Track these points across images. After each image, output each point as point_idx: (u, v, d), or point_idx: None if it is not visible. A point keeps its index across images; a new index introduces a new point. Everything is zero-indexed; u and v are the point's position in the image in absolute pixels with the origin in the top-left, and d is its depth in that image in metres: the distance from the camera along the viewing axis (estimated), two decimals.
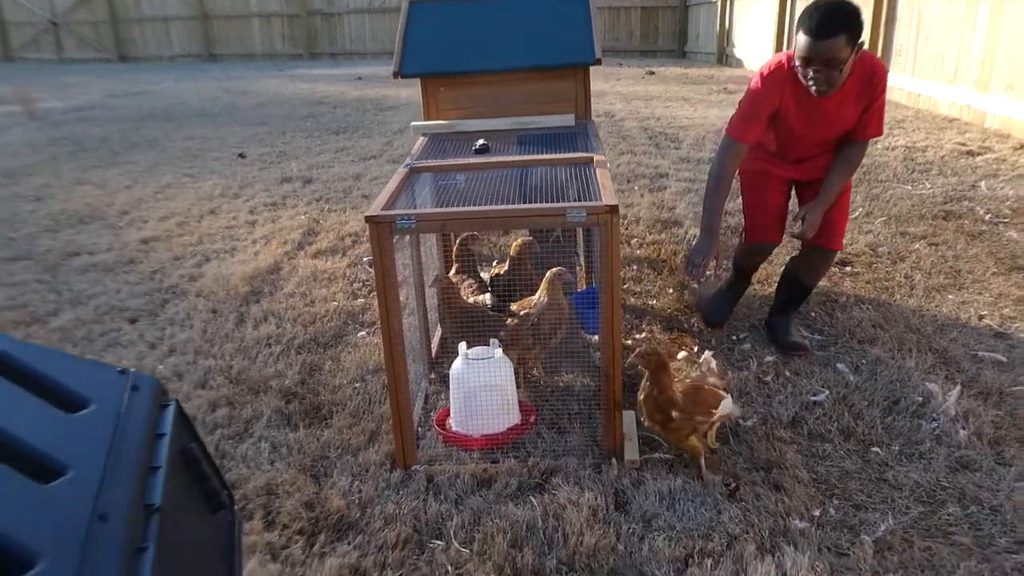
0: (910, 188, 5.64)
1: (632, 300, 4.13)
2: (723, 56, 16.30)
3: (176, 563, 1.08)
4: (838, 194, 3.41)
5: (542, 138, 3.86)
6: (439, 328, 3.75)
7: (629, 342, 3.67)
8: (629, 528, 2.50)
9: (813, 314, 3.88)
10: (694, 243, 3.46)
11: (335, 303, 4.29)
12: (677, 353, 3.59)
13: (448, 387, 3.28)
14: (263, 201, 6.28)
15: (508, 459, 2.85)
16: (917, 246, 4.59)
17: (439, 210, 2.72)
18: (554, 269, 3.34)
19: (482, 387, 3.03)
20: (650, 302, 4.15)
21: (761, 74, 3.34)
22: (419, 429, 3.06)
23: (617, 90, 12.05)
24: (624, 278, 4.40)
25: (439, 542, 2.49)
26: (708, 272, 3.39)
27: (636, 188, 5.91)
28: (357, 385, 3.45)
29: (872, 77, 3.21)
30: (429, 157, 3.52)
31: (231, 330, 4.01)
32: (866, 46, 3.45)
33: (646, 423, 2.80)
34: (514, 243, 3.70)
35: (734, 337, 3.71)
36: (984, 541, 2.36)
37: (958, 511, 2.48)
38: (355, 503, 2.66)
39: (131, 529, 1.03)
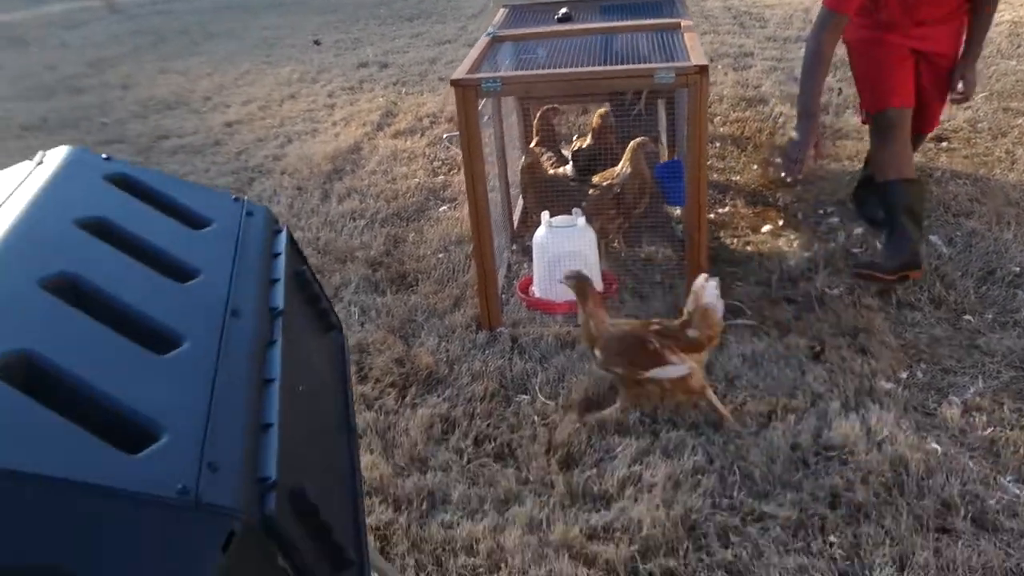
0: (1014, 64, 5.33)
1: (715, 176, 4.06)
2: None
3: (298, 365, 1.15)
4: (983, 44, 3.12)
5: (625, 7, 3.76)
6: (520, 202, 3.78)
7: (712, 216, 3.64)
8: (712, 386, 2.53)
9: None
10: (790, 132, 3.17)
11: (416, 180, 4.33)
12: (762, 227, 3.55)
13: (530, 258, 3.33)
14: (340, 85, 6.30)
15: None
16: (1020, 121, 4.37)
17: (525, 72, 2.71)
18: (637, 139, 3.30)
19: (565, 254, 3.06)
20: (734, 178, 4.08)
21: None
22: (503, 296, 3.12)
23: None
24: (707, 155, 4.32)
25: (525, 396, 2.57)
26: (808, 165, 3.06)
27: (719, 67, 5.73)
28: (440, 255, 3.52)
29: None
30: (511, 27, 3.48)
31: (316, 205, 4.10)
32: None
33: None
34: (595, 115, 3.66)
35: (821, 211, 3.64)
36: None
37: None
38: (443, 360, 2.76)
39: (260, 325, 1.10)
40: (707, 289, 2.37)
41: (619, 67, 2.69)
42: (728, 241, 3.46)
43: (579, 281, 2.47)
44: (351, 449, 1.28)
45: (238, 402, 0.93)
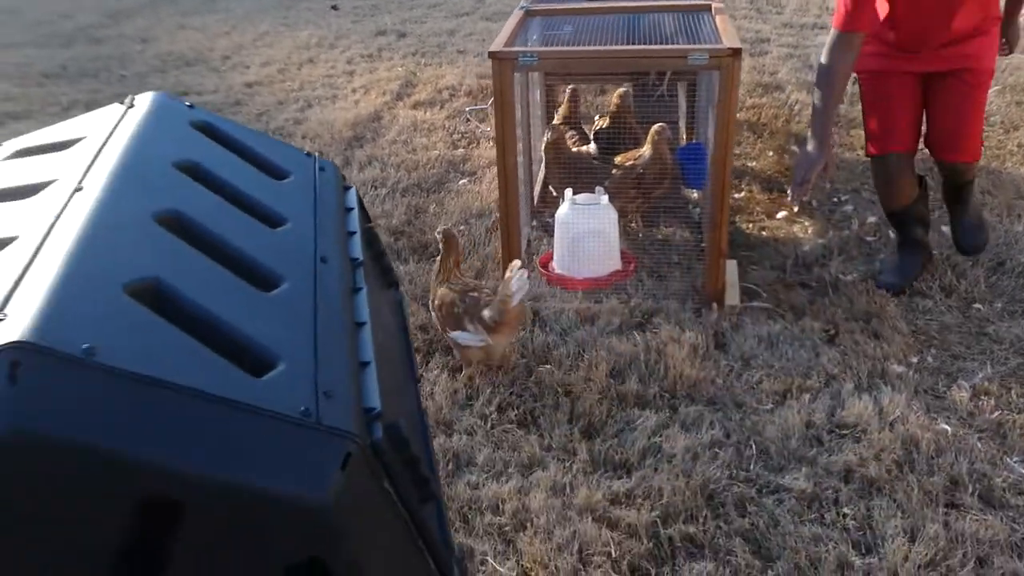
0: None
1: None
2: None
3: (376, 314, 1.22)
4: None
5: None
6: (539, 178, 3.83)
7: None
8: (728, 365, 2.62)
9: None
10: (799, 154, 2.97)
11: (436, 152, 4.38)
12: (777, 213, 3.62)
13: (550, 234, 3.40)
14: (359, 52, 6.32)
15: (610, 300, 2.97)
16: None
17: (561, 48, 2.76)
18: (658, 125, 3.36)
19: (587, 232, 3.12)
20: (749, 164, 4.15)
21: None
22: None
23: None
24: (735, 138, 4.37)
25: (547, 366, 2.64)
26: (813, 188, 2.94)
27: None
28: (462, 227, 3.58)
29: None
30: (543, 2, 3.52)
31: None
32: None
33: None
34: (613, 96, 3.71)
35: (835, 199, 3.71)
36: None
37: None
38: None
39: (345, 273, 1.17)
40: (513, 279, 2.47)
41: (654, 47, 2.74)
42: (743, 226, 3.53)
43: (447, 237, 2.64)
44: (417, 396, 1.35)
45: (339, 340, 1.00)
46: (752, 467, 2.21)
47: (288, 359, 0.90)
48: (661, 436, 2.32)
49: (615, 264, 3.18)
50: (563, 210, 3.18)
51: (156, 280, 0.91)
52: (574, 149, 3.54)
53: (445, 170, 4.18)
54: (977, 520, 1.98)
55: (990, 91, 3.68)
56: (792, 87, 5.02)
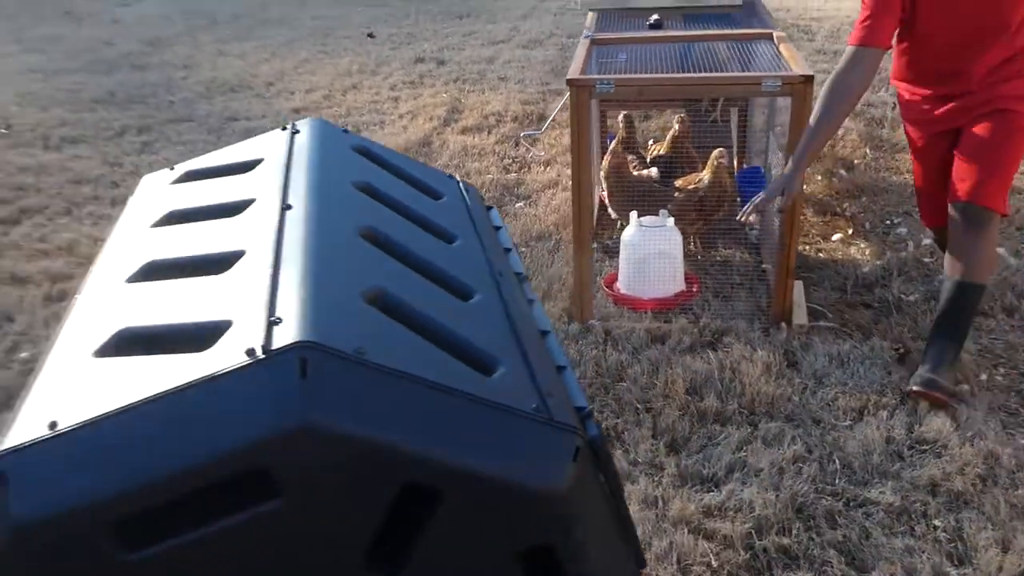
0: None
1: None
2: None
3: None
4: None
5: (708, 16, 3.91)
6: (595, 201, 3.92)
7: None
8: (801, 383, 2.68)
9: None
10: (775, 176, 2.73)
11: (489, 176, 4.48)
12: (832, 236, 3.69)
13: (609, 255, 3.48)
14: (401, 79, 6.45)
15: (679, 319, 3.04)
16: None
17: (637, 75, 2.86)
18: (718, 150, 3.44)
19: (654, 253, 3.20)
20: None
21: None
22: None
23: None
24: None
25: (624, 383, 2.71)
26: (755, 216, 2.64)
27: None
28: (523, 250, 3.66)
29: None
30: (603, 31, 3.62)
31: None
32: None
33: None
34: (675, 121, 3.81)
35: (887, 222, 3.78)
36: None
37: None
38: None
39: (518, 286, 1.25)
40: None
41: (728, 74, 2.84)
42: (801, 248, 3.60)
43: None
44: None
45: (537, 346, 1.08)
46: (837, 481, 2.27)
47: (505, 363, 0.98)
48: (745, 451, 2.38)
49: (680, 285, 3.26)
50: (630, 232, 3.26)
51: (384, 289, 0.99)
52: (635, 173, 3.63)
53: (500, 194, 4.28)
54: None
55: None
56: None
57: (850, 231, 3.70)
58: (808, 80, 2.69)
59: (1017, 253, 3.38)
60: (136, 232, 1.22)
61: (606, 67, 3.50)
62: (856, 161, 4.46)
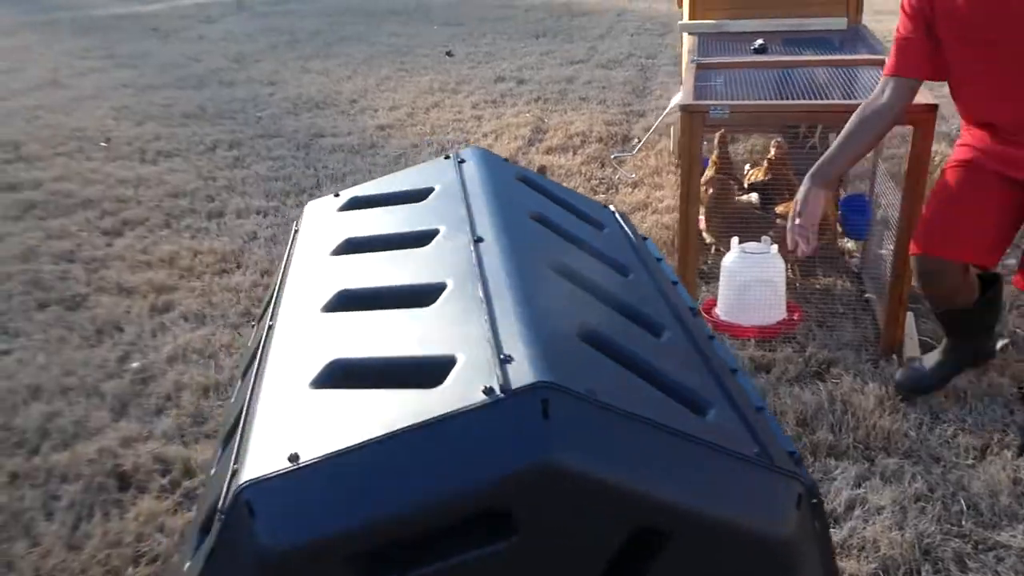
0: None
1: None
2: None
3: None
4: None
5: (811, 40, 3.86)
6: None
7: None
8: (917, 418, 2.61)
9: None
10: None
11: None
12: None
13: (704, 280, 3.45)
14: (483, 98, 6.51)
15: (783, 349, 3.00)
16: None
17: (755, 102, 2.83)
18: None
19: (756, 280, 3.16)
20: (894, 214, 4.13)
21: None
22: None
23: None
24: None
25: None
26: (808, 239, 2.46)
27: None
28: None
29: None
30: (706, 55, 3.61)
31: None
32: None
33: None
34: (772, 147, 3.76)
35: None
36: None
37: None
38: None
39: (698, 324, 1.24)
40: None
41: (849, 101, 2.79)
42: None
43: None
44: None
45: (734, 386, 1.06)
46: (964, 522, 2.20)
47: (714, 402, 0.97)
48: (864, 487, 2.33)
49: (782, 313, 3.21)
50: (731, 258, 3.23)
51: (592, 325, 0.99)
52: (736, 199, 3.59)
53: None
54: None
55: None
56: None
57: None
58: (931, 109, 2.63)
59: None
60: (317, 260, 1.24)
61: (704, 91, 3.48)
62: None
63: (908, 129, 2.70)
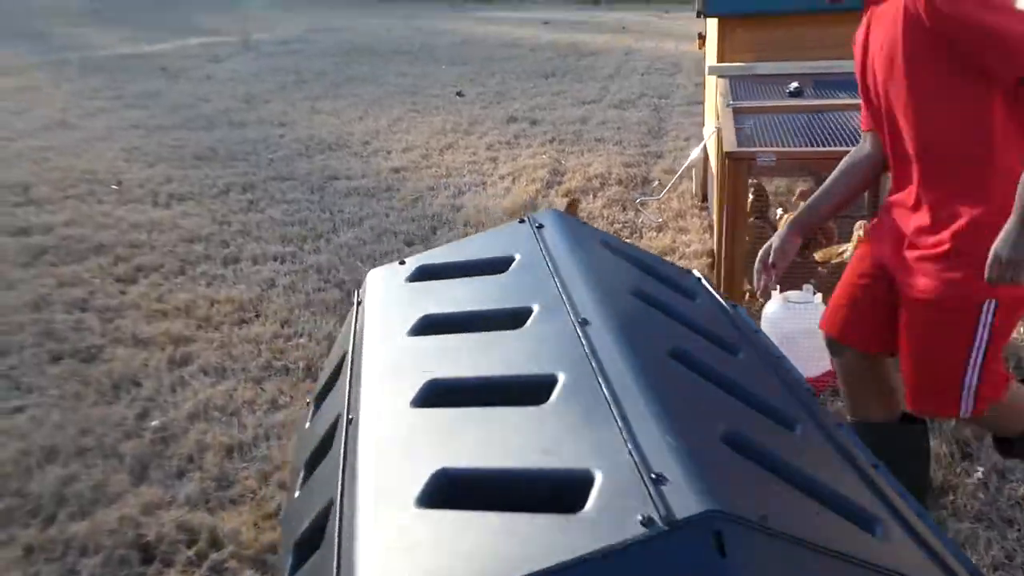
0: None
1: None
2: None
3: None
4: None
5: (843, 83, 3.79)
6: None
7: None
8: (983, 478, 2.48)
9: None
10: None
11: None
12: None
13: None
14: (496, 139, 6.44)
15: (833, 402, 2.87)
16: None
17: (800, 149, 2.74)
18: (860, 221, 3.30)
19: (800, 331, 3.04)
20: None
21: None
22: None
23: None
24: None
25: None
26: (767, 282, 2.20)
27: None
28: None
29: None
30: (741, 99, 3.53)
31: None
32: None
33: None
34: (797, 193, 3.67)
35: None
36: None
37: None
38: None
39: (824, 411, 1.12)
40: None
41: None
42: None
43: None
44: None
45: (889, 487, 0.94)
46: None
47: (880, 516, 0.85)
48: None
49: (827, 364, 3.09)
50: (773, 308, 3.11)
51: (735, 428, 0.87)
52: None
53: None
54: None
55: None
56: None
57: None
58: None
59: None
60: (392, 340, 1.12)
61: (741, 137, 3.40)
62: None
63: None
